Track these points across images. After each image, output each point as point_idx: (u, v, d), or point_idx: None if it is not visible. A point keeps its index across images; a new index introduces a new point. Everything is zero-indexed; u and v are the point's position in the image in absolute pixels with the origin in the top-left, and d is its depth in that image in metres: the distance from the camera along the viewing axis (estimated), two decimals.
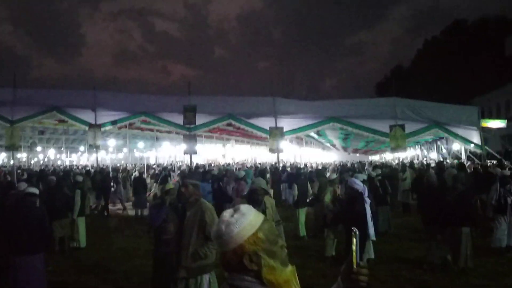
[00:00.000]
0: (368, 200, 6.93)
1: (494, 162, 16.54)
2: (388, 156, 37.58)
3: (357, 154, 41.19)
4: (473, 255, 7.20)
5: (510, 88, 36.78)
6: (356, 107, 16.36)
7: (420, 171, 18.11)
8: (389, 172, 14.94)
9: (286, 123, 15.81)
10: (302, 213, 10.83)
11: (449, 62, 45.50)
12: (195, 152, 16.41)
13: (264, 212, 5.08)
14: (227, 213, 1.50)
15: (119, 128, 19.65)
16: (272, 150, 15.82)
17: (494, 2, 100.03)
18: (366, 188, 7.15)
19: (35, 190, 6.12)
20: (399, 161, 22.23)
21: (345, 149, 36.67)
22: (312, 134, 20.30)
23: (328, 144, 32.48)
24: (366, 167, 21.94)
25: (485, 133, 17.30)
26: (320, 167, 22.27)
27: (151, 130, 24.02)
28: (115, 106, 16.19)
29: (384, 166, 21.15)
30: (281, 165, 20.15)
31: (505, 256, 8.16)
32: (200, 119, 15.74)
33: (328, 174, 12.81)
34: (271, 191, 13.84)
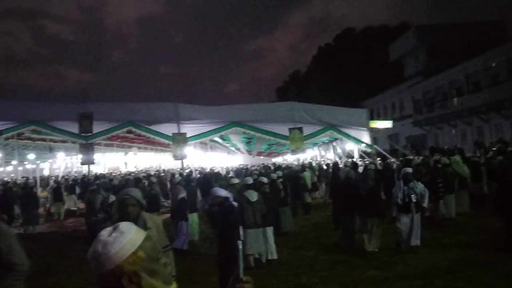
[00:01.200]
0: (235, 204, 6.73)
1: (390, 160, 18.00)
2: (290, 158, 39.10)
3: (261, 157, 42.27)
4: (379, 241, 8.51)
5: (395, 91, 40.43)
6: (258, 111, 16.82)
7: (319, 171, 19.18)
8: (290, 173, 15.53)
9: (189, 129, 15.73)
10: (194, 218, 10.77)
11: (342, 67, 48.70)
12: (92, 162, 15.58)
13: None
14: (105, 232, 1.40)
15: (6, 139, 17.96)
16: (175, 157, 15.62)
17: (378, 12, 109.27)
18: (232, 194, 7.15)
19: None
20: (298, 162, 23.21)
21: (249, 152, 37.37)
22: (216, 138, 20.42)
23: (232, 148, 32.88)
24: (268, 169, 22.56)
25: (374, 133, 18.84)
26: (223, 172, 22.44)
27: (44, 140, 22.30)
28: (1, 116, 14.81)
29: (286, 167, 21.93)
30: (187, 171, 19.93)
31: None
32: (98, 127, 15.02)
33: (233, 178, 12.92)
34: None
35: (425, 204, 8.56)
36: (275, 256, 8.19)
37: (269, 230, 8.17)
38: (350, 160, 18.56)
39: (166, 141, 15.89)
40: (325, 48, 57.15)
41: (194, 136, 15.81)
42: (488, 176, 13.10)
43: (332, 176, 14.12)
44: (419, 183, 8.62)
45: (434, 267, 7.33)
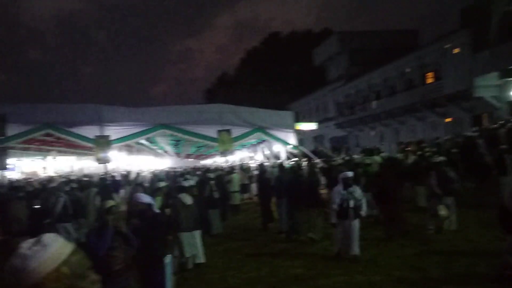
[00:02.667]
0: (157, 211, 6.12)
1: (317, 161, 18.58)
2: (220, 160, 39.06)
3: (190, 159, 41.81)
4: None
5: (319, 94, 41.96)
6: (185, 113, 16.58)
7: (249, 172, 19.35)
8: (218, 175, 15.53)
9: (113, 132, 15.10)
10: None
11: (269, 70, 49.69)
12: (5, 168, 14.47)
13: None
14: (25, 244, 1.28)
15: None
16: (99, 161, 14.95)
17: (303, 17, 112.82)
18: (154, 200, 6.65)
19: None
20: (228, 164, 23.28)
21: (178, 155, 36.80)
22: (143, 141, 19.86)
23: (160, 151, 32.18)
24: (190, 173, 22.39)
25: (300, 134, 19.42)
26: (149, 175, 21.89)
27: None
28: None
29: (216, 169, 21.88)
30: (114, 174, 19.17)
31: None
32: (12, 130, 13.96)
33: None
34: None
35: (363, 211, 8.04)
36: (202, 260, 8.15)
37: (197, 234, 8.13)
38: (277, 161, 18.94)
39: (88, 144, 15.16)
40: (253, 51, 57.95)
41: (118, 139, 15.23)
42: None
43: (258, 177, 14.30)
44: (358, 188, 8.17)
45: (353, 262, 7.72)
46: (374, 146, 26.90)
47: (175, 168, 35.52)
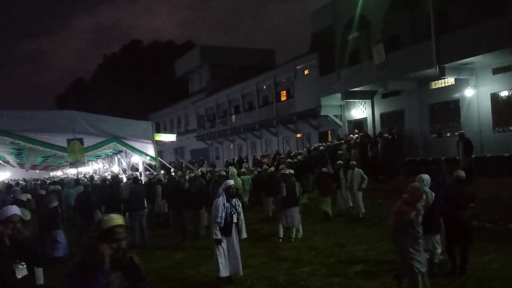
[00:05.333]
0: None
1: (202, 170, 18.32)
2: (71, 171, 36.19)
3: (37, 171, 37.95)
4: None
5: (181, 106, 41.85)
6: (32, 120, 14.98)
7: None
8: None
9: None
10: None
11: (129, 79, 48.03)
12: None
13: None
14: None
15: None
16: None
17: (166, 27, 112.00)
18: None
19: None
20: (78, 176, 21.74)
21: (21, 165, 33.07)
22: None
23: (0, 161, 28.53)
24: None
25: (160, 146, 19.06)
26: None
27: None
28: None
29: (59, 182, 20.15)
30: None
31: None
32: None
33: None
34: None
35: (243, 227, 7.34)
36: (41, 282, 7.39)
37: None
38: (134, 173, 18.28)
39: None
40: (112, 58, 55.45)
41: None
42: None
43: (111, 189, 13.56)
44: (238, 200, 7.44)
45: None
46: (233, 159, 27.81)
47: (17, 180, 31.87)
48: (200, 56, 37.86)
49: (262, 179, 14.86)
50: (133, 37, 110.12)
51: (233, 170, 15.23)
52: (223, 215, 6.86)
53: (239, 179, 14.74)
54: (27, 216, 7.09)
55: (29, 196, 8.81)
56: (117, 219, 3.00)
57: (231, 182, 7.36)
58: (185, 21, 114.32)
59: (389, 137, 16.55)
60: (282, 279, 7.22)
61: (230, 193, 7.07)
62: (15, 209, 3.75)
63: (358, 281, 6.83)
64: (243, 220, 7.36)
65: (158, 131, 26.65)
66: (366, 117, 20.63)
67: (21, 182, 28.33)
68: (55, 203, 9.25)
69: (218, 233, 6.90)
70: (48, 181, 25.56)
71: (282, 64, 28.41)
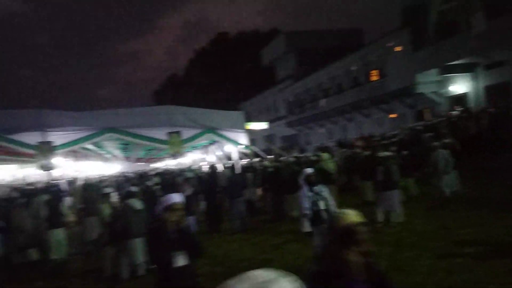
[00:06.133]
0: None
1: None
2: (172, 162, 38.42)
3: (140, 163, 40.87)
4: None
5: (269, 94, 42.32)
6: (134, 116, 16.13)
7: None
8: (168, 179, 15.28)
9: (57, 137, 14.43)
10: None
11: (218, 71, 49.50)
12: None
13: None
14: None
15: None
16: (42, 168, 14.26)
17: (251, 17, 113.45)
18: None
19: None
20: (181, 167, 22.95)
21: (127, 159, 35.83)
22: (89, 146, 19.16)
23: (108, 156, 31.20)
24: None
25: (252, 134, 19.48)
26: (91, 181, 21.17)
27: None
28: None
29: (166, 173, 21.51)
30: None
31: None
32: None
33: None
34: None
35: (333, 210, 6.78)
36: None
37: None
38: (229, 162, 18.88)
39: (30, 151, 14.41)
40: (201, 52, 57.51)
41: (63, 144, 14.57)
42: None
43: (209, 178, 14.18)
44: (323, 186, 7.13)
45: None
46: (323, 143, 27.53)
47: (125, 173, 34.60)
48: (285, 43, 37.76)
49: (357, 162, 14.51)
50: (219, 30, 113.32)
51: (324, 155, 15.02)
52: (309, 205, 6.66)
53: (331, 163, 14.49)
54: (138, 206, 7.68)
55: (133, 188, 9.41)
56: (355, 215, 2.44)
57: (309, 170, 7.15)
58: (268, 9, 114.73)
59: (495, 111, 15.16)
60: (385, 265, 6.99)
61: (311, 181, 6.87)
62: (177, 197, 3.69)
63: (467, 265, 6.37)
64: (334, 205, 7.13)
65: (249, 120, 27.25)
66: (468, 92, 19.11)
67: (130, 174, 30.61)
68: (189, 191, 9.81)
69: (308, 225, 6.73)
70: (152, 173, 27.31)
71: (371, 42, 27.34)
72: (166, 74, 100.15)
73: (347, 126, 30.27)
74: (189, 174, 14.00)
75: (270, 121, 38.56)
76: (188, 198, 9.23)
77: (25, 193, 12.98)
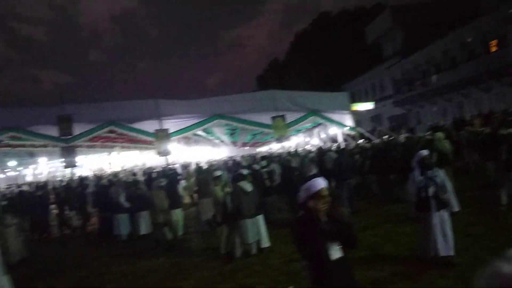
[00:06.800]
0: None
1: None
2: (275, 146, 39.09)
3: (246, 148, 42.23)
4: None
5: (374, 72, 40.65)
6: (239, 102, 16.72)
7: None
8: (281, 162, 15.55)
9: (171, 124, 15.57)
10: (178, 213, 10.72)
11: (320, 52, 48.70)
12: (75, 165, 15.35)
13: None
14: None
15: None
16: (159, 153, 15.49)
17: None
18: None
19: None
20: (285, 150, 23.20)
21: (234, 143, 37.25)
22: (199, 132, 20.29)
23: (216, 141, 32.74)
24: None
25: (357, 116, 18.97)
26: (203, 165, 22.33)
27: (23, 146, 21.81)
28: None
29: (276, 156, 21.89)
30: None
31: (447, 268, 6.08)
32: (78, 129, 14.75)
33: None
34: None
35: (446, 197, 6.33)
36: (267, 244, 8.22)
37: (260, 219, 8.20)
38: (335, 144, 18.62)
39: (149, 138, 15.71)
40: (302, 34, 57.03)
41: (177, 131, 15.67)
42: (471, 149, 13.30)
43: (317, 161, 14.12)
44: (440, 171, 6.50)
45: None
46: (437, 122, 25.74)
47: (233, 157, 36.04)
48: (391, 18, 35.81)
49: (476, 141, 13.33)
50: (321, 9, 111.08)
51: (439, 134, 14.04)
52: (417, 190, 6.20)
53: (447, 143, 13.49)
54: (248, 188, 7.96)
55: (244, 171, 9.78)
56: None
57: (424, 152, 6.48)
58: None
59: None
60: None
61: (425, 165, 6.28)
62: (322, 182, 3.36)
63: None
64: (450, 191, 6.55)
65: (353, 101, 26.48)
66: None
67: (237, 158, 31.67)
68: (314, 171, 10.03)
69: (415, 210, 6.36)
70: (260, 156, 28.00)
71: (488, 10, 24.67)
72: (269, 59, 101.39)
73: (463, 103, 27.91)
74: (313, 157, 14.03)
75: (376, 101, 37.06)
76: (311, 178, 9.39)
77: (165, 175, 14.10)
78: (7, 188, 25.70)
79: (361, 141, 17.67)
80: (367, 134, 19.98)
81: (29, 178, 33.78)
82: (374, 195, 12.52)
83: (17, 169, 31.23)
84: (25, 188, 21.40)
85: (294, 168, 12.11)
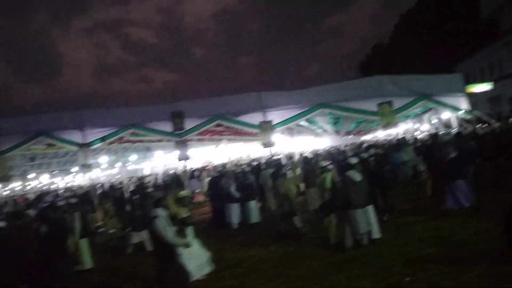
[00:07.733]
0: None
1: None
2: (381, 134, 37.67)
3: (349, 136, 41.29)
4: None
5: (490, 50, 37.01)
6: (342, 90, 16.34)
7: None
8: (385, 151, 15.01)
9: (275, 116, 15.78)
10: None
11: (427, 32, 45.63)
12: (188, 158, 16.35)
13: None
14: None
15: (110, 143, 19.48)
16: (264, 145, 15.83)
17: None
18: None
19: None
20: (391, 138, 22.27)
21: (337, 132, 36.64)
22: (302, 122, 20.30)
23: (319, 131, 32.52)
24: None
25: (472, 98, 17.44)
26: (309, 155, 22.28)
27: (141, 141, 23.81)
28: (102, 123, 16.01)
29: (377, 145, 21.20)
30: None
31: None
32: (189, 124, 15.67)
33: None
34: None
35: None
36: (377, 235, 7.98)
37: (370, 209, 7.98)
38: (450, 130, 17.37)
39: (254, 131, 16.11)
40: (407, 15, 53.97)
41: (280, 122, 15.83)
42: None
43: (431, 149, 13.27)
44: None
45: None
46: None
47: (336, 146, 35.54)
48: None
49: None
50: None
51: None
52: None
53: None
54: (357, 178, 7.78)
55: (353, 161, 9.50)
56: None
57: None
58: None
59: None
60: None
61: None
62: None
63: None
64: None
65: (467, 82, 24.41)
66: None
67: (342, 147, 31.26)
68: (453, 154, 9.45)
69: None
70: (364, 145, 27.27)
71: None
72: (371, 44, 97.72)
73: None
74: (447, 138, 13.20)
75: (495, 81, 33.72)
76: (450, 161, 9.04)
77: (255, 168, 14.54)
78: (129, 180, 28.18)
79: (479, 125, 16.24)
80: (485, 117, 18.29)
81: (146, 171, 36.85)
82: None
83: (137, 163, 34.12)
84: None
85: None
